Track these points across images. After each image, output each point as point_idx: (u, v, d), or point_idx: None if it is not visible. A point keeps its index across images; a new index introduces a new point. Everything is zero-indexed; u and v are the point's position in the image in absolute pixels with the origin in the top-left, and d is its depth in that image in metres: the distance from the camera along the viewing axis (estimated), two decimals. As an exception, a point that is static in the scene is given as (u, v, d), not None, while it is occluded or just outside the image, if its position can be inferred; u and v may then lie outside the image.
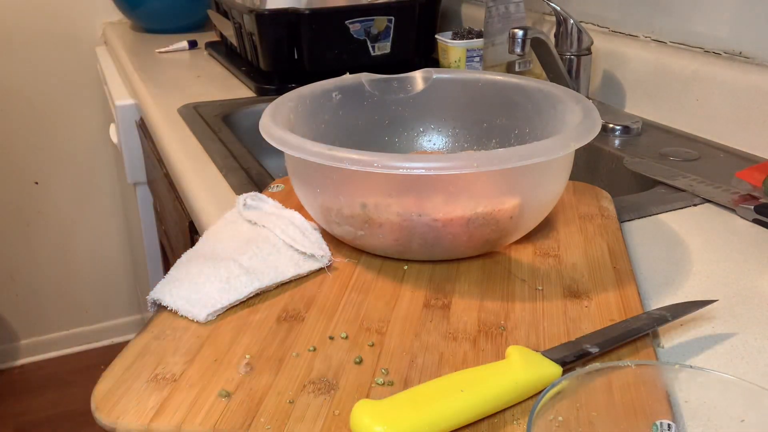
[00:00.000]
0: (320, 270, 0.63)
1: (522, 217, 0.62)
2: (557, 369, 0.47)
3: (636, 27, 1.11)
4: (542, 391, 0.41)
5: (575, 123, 0.64)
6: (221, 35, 1.61)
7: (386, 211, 0.60)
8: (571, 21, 1.08)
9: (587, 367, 0.41)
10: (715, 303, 0.58)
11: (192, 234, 0.99)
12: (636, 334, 0.52)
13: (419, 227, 0.60)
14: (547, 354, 0.48)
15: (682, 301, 0.60)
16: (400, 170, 0.55)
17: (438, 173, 0.56)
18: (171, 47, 1.65)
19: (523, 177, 0.61)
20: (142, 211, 1.76)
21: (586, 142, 0.60)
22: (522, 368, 0.47)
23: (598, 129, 0.62)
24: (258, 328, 0.55)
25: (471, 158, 0.56)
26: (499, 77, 0.79)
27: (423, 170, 0.55)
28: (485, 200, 0.60)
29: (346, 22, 1.30)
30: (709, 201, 0.78)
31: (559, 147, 0.58)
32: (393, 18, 1.33)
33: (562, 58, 1.09)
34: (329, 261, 0.64)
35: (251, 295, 0.59)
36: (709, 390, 0.41)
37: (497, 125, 0.78)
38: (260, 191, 0.79)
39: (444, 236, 0.61)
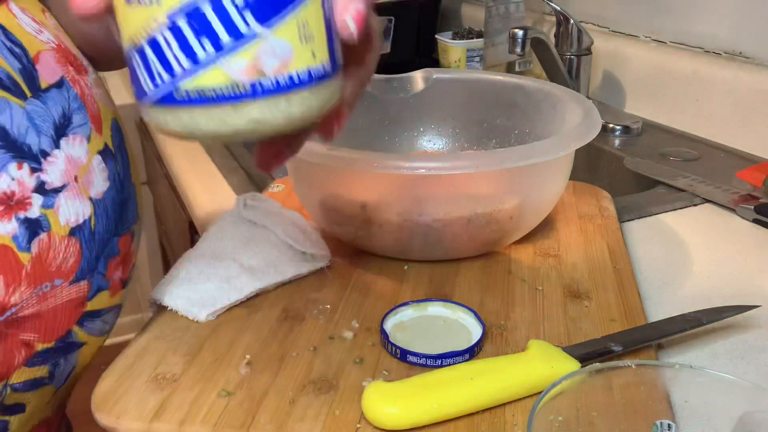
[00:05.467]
0: (320, 270, 0.63)
1: (522, 217, 0.62)
2: (575, 364, 0.47)
3: (636, 27, 1.11)
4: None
5: (575, 123, 0.64)
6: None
7: (386, 211, 0.60)
8: (571, 21, 1.08)
9: (587, 367, 0.41)
10: (756, 309, 0.56)
11: (192, 234, 0.99)
12: (666, 335, 0.52)
13: (419, 227, 0.60)
14: (568, 350, 0.49)
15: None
16: (400, 170, 0.55)
17: (438, 173, 0.56)
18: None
19: (524, 177, 0.61)
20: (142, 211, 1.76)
21: (586, 142, 0.60)
22: (537, 361, 0.47)
23: (598, 129, 0.62)
24: (258, 328, 0.55)
25: (471, 158, 0.56)
26: (499, 77, 0.79)
27: (423, 170, 0.55)
28: (485, 200, 0.60)
29: (346, 22, 1.30)
30: (709, 201, 0.78)
31: (559, 147, 0.58)
32: (393, 18, 1.33)
33: (562, 58, 1.09)
34: (329, 261, 0.64)
35: (251, 295, 0.59)
36: (709, 390, 0.41)
37: (497, 125, 0.78)
38: (260, 191, 0.79)
39: (444, 236, 0.61)
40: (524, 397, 0.46)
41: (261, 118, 0.29)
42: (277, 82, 0.29)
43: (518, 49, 1.01)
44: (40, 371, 0.47)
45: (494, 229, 0.62)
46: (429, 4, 1.38)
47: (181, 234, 1.12)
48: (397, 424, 0.44)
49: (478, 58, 1.29)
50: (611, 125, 1.02)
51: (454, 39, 1.31)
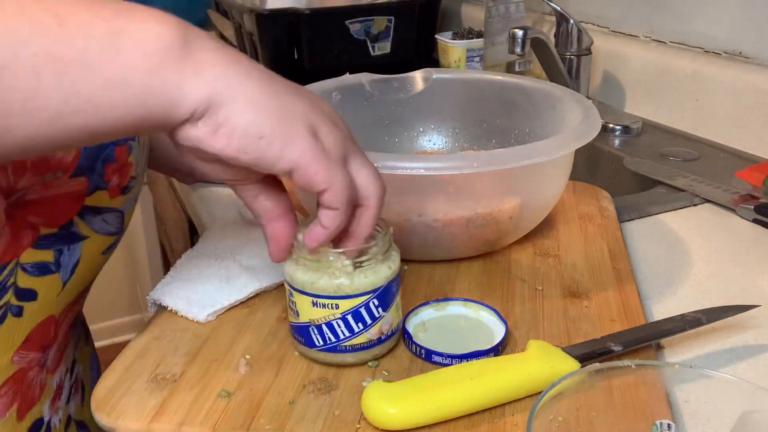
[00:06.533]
0: (320, 270, 0.63)
1: (522, 217, 0.62)
2: (575, 364, 0.47)
3: (636, 27, 1.11)
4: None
5: (575, 123, 0.63)
6: (221, 35, 1.61)
7: (386, 211, 0.59)
8: (571, 21, 1.08)
9: (587, 367, 0.41)
10: (756, 309, 0.55)
11: (192, 234, 0.99)
12: (666, 335, 0.52)
13: (419, 227, 0.60)
14: (568, 350, 0.49)
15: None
16: (400, 170, 0.55)
17: (438, 173, 0.56)
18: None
19: (523, 177, 0.61)
20: (142, 211, 1.76)
21: (586, 142, 0.60)
22: (537, 361, 0.47)
23: (598, 129, 0.62)
24: (258, 328, 0.55)
25: (471, 158, 0.56)
26: (498, 77, 0.79)
27: (423, 170, 0.55)
28: (485, 200, 0.60)
29: (346, 22, 1.30)
30: (709, 201, 0.78)
31: (559, 147, 0.58)
32: (393, 18, 1.33)
33: (562, 58, 1.09)
34: (329, 261, 0.64)
35: (251, 295, 0.59)
36: (709, 390, 0.41)
37: (497, 125, 0.78)
38: (260, 191, 0.79)
39: (444, 236, 0.61)
40: (524, 397, 0.46)
41: (376, 355, 0.51)
42: (387, 336, 0.51)
43: (518, 49, 1.01)
44: (46, 255, 0.52)
45: (494, 229, 0.62)
46: (429, 4, 1.38)
47: (181, 234, 1.12)
48: (397, 424, 0.44)
49: (478, 58, 1.29)
50: (611, 125, 1.02)
51: (454, 39, 1.31)
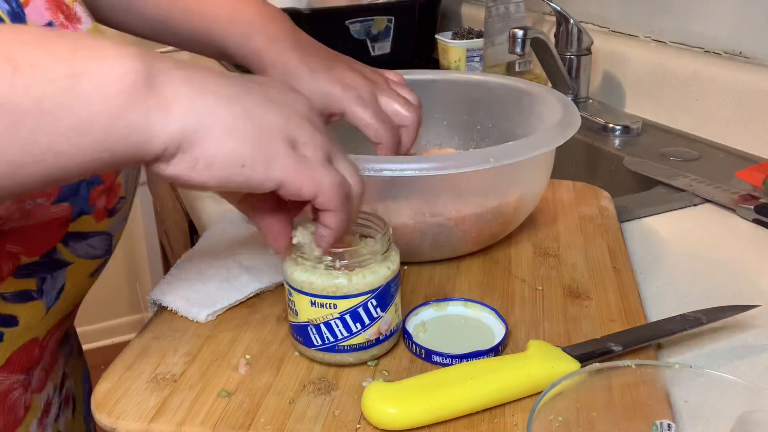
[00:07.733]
0: (320, 270, 0.63)
1: (522, 207, 0.63)
2: (575, 364, 0.47)
3: (636, 27, 1.11)
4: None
5: (550, 112, 0.65)
6: (221, 35, 1.61)
7: (397, 214, 0.59)
8: (571, 21, 1.08)
9: (587, 367, 0.41)
10: (756, 309, 0.55)
11: (192, 234, 0.99)
12: (666, 335, 0.52)
13: (433, 227, 0.60)
14: (568, 350, 0.49)
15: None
16: (412, 172, 0.55)
17: (457, 171, 0.56)
18: (171, 47, 1.65)
19: (526, 168, 0.62)
20: (142, 211, 1.76)
21: (576, 129, 0.62)
22: (537, 361, 0.47)
23: (578, 116, 0.64)
24: (258, 328, 0.55)
25: (486, 154, 0.56)
26: (458, 75, 0.79)
27: (435, 171, 0.55)
28: (494, 195, 0.60)
29: (346, 22, 1.30)
30: (709, 201, 0.78)
31: (558, 136, 0.60)
32: (393, 18, 1.33)
33: (562, 58, 1.09)
34: (329, 261, 0.64)
35: (251, 295, 0.59)
36: (709, 390, 0.41)
37: (458, 123, 0.79)
38: (260, 191, 0.79)
39: (455, 234, 0.61)
40: (524, 397, 0.46)
41: (375, 355, 0.51)
42: (386, 336, 0.51)
43: (518, 49, 1.01)
44: (28, 284, 0.50)
45: (500, 222, 0.62)
46: (429, 4, 1.38)
47: (181, 234, 1.12)
48: (396, 424, 0.44)
49: (478, 58, 1.29)
50: (611, 125, 1.02)
51: (454, 39, 1.31)
